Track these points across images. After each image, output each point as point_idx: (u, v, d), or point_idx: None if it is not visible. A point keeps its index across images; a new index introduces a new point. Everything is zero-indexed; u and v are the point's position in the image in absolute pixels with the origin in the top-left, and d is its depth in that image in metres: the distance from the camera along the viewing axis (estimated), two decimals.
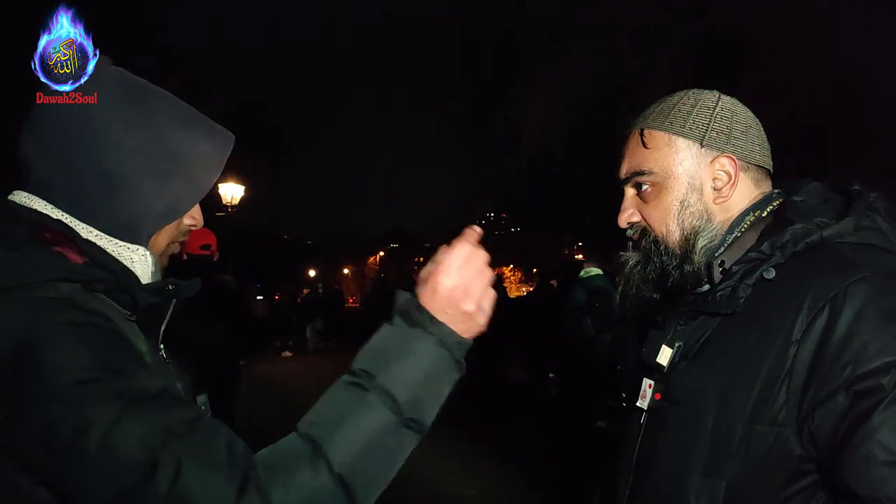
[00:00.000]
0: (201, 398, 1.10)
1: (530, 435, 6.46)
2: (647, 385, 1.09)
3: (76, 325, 0.76)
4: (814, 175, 1.07)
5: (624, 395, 7.94)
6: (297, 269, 38.03)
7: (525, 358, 9.39)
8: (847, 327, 0.85)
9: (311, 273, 40.28)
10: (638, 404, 1.10)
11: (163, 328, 1.01)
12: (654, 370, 1.08)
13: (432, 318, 0.85)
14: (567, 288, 7.88)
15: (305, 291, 18.84)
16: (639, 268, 1.10)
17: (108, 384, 0.73)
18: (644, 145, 1.08)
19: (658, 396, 1.06)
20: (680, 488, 0.94)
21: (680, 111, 1.06)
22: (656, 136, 1.07)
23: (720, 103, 1.06)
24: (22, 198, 0.91)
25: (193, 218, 1.03)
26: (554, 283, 9.13)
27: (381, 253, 75.45)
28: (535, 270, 10.05)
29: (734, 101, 1.08)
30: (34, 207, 0.90)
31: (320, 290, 19.87)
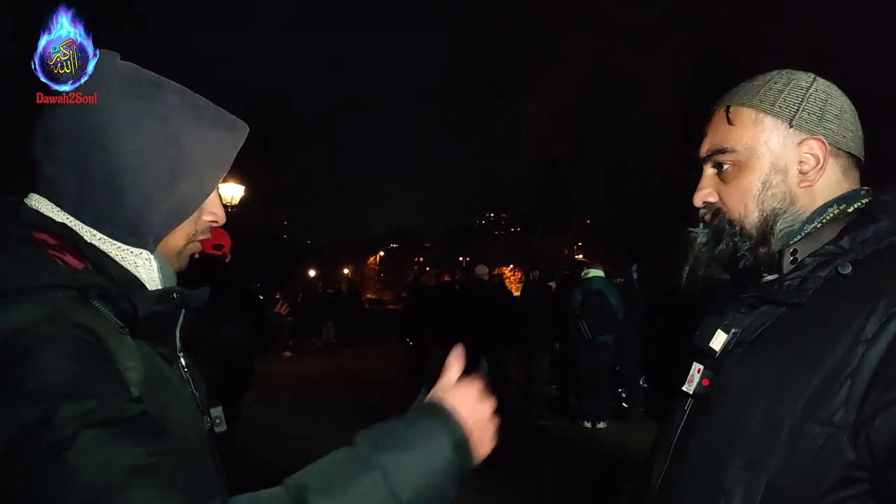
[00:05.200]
0: (215, 411, 1.06)
1: (529, 435, 6.45)
2: (696, 370, 1.04)
3: (58, 339, 0.73)
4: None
5: (624, 396, 7.96)
6: (297, 269, 37.98)
7: (524, 358, 9.37)
8: None
9: (312, 273, 40.24)
10: (684, 388, 1.05)
11: (177, 335, 0.98)
12: (706, 355, 1.04)
13: (455, 416, 0.83)
14: (567, 289, 7.88)
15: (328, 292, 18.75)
16: (708, 246, 1.05)
17: (78, 403, 0.70)
18: (729, 122, 1.03)
19: (706, 382, 1.02)
20: (717, 477, 0.90)
21: (771, 89, 1.02)
22: (743, 113, 1.03)
23: (815, 84, 1.02)
24: (32, 200, 0.90)
25: (213, 213, 0.99)
26: (553, 283, 9.12)
27: (381, 253, 75.37)
28: (535, 273, 10.01)
29: (830, 84, 1.04)
30: (40, 209, 0.88)
31: (320, 290, 19.85)
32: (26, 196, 0.91)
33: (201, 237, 1.01)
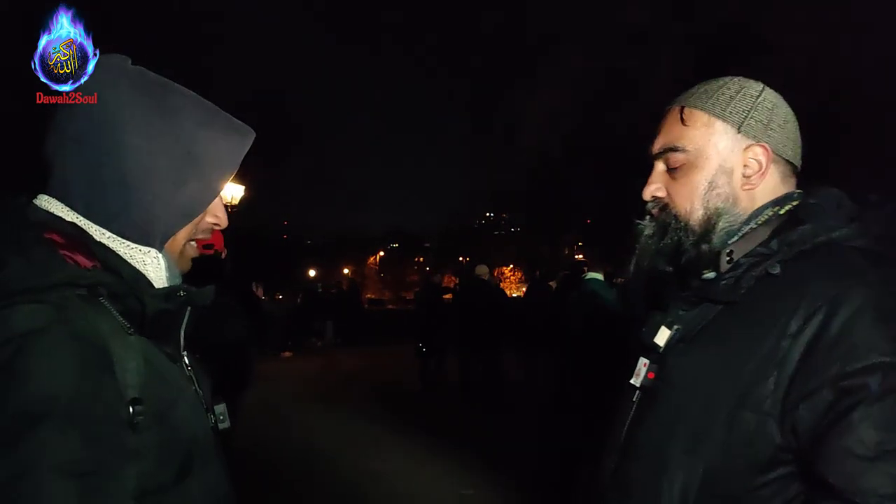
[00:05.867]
0: (219, 408, 1.06)
1: (528, 435, 6.46)
2: (643, 364, 1.12)
3: (58, 350, 0.74)
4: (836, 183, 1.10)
5: None
6: (297, 269, 37.97)
7: (523, 357, 9.38)
8: (841, 326, 0.88)
9: (311, 273, 40.26)
10: (631, 381, 1.12)
11: (182, 334, 0.99)
12: (651, 350, 1.11)
13: None
14: (567, 289, 7.89)
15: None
16: (654, 238, 1.11)
17: (60, 431, 0.71)
18: (683, 122, 1.10)
19: (651, 375, 1.09)
20: (662, 463, 0.98)
21: (723, 94, 1.09)
22: (696, 115, 1.09)
23: (764, 94, 1.09)
24: (42, 201, 0.91)
25: (216, 216, 1.01)
26: (552, 283, 9.13)
27: (381, 253, 75.39)
28: (537, 273, 10.02)
29: (778, 95, 1.11)
30: (51, 210, 0.89)
31: (320, 290, 19.87)
32: (35, 197, 0.92)
33: (202, 237, 1.02)
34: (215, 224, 1.02)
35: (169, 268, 0.96)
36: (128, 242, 0.91)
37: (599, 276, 7.48)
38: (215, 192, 0.98)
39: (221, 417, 1.06)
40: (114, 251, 0.89)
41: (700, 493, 0.94)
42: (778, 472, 0.91)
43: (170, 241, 0.96)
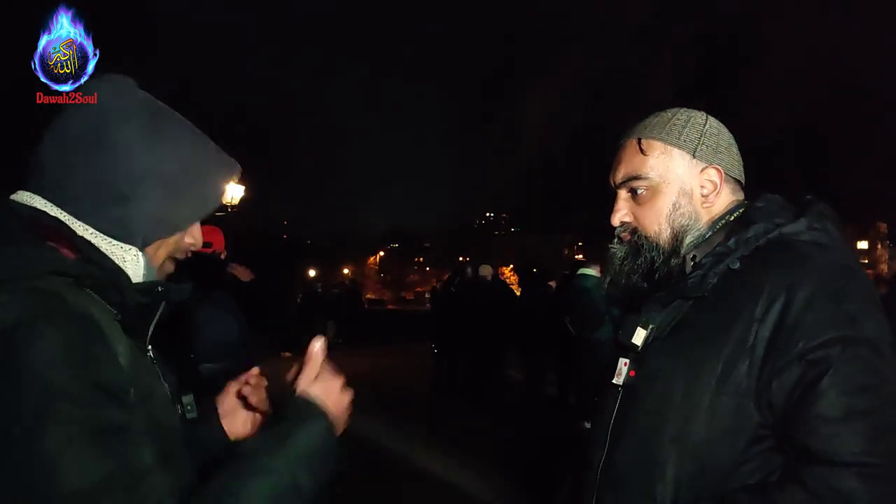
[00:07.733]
0: (187, 398, 1.10)
1: (529, 436, 6.46)
2: (623, 363, 1.20)
3: (58, 329, 0.76)
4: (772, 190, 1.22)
5: None
6: (297, 269, 38.00)
7: (523, 358, 9.37)
8: (801, 308, 0.98)
9: (311, 273, 40.31)
10: (613, 381, 1.20)
11: (150, 329, 1.02)
12: (630, 350, 1.19)
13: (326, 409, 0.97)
14: (565, 289, 7.88)
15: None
16: (628, 259, 1.21)
17: (76, 403, 0.74)
18: (642, 152, 1.19)
19: (632, 373, 1.16)
20: (653, 452, 1.05)
21: (675, 125, 1.20)
22: (654, 145, 1.19)
23: (708, 122, 1.21)
24: (24, 197, 0.93)
25: (193, 237, 1.06)
26: (552, 283, 9.12)
27: (381, 253, 75.46)
28: (535, 271, 10.00)
29: (718, 121, 1.23)
30: (34, 205, 0.91)
31: (320, 289, 19.86)
32: (15, 193, 0.94)
33: (179, 256, 1.06)
34: (192, 244, 1.06)
35: (147, 266, 0.98)
36: (109, 239, 0.94)
37: (592, 272, 7.44)
38: (202, 214, 1.03)
39: (189, 408, 1.11)
40: (95, 246, 0.92)
41: (691, 476, 1.02)
42: (759, 447, 1.00)
43: (151, 253, 0.99)
